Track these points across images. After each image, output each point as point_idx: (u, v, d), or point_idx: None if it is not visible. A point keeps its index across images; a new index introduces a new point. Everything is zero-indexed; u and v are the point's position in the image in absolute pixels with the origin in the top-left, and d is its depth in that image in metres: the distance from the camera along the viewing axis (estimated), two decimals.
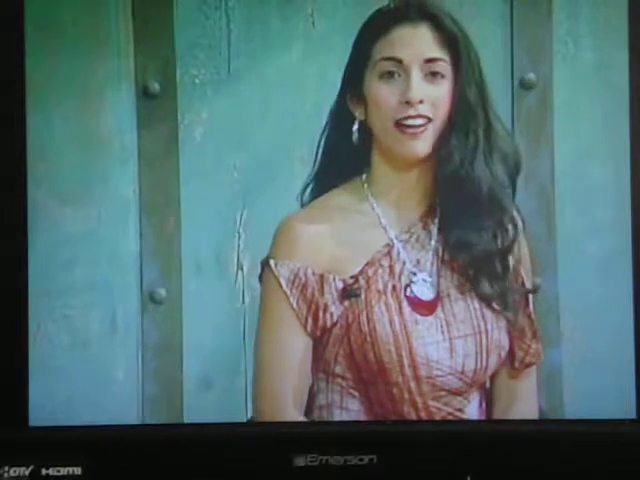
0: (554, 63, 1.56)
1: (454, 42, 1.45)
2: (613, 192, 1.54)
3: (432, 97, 1.45)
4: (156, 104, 1.56)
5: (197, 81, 1.56)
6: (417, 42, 1.45)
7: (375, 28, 1.47)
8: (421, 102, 1.44)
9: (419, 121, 1.45)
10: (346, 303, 1.46)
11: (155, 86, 1.56)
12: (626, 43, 1.53)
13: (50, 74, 1.53)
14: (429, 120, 1.45)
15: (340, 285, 1.46)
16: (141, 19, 1.56)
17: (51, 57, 1.53)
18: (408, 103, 1.44)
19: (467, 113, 1.45)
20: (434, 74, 1.45)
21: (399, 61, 1.45)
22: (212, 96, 1.56)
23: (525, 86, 1.56)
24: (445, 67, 1.45)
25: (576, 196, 1.56)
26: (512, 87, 1.56)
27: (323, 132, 1.51)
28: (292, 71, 1.56)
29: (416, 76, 1.45)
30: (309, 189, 1.52)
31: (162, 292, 1.57)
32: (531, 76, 1.56)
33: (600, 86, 1.55)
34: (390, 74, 1.46)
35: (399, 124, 1.45)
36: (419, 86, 1.45)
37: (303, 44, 1.56)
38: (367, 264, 1.47)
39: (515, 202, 1.51)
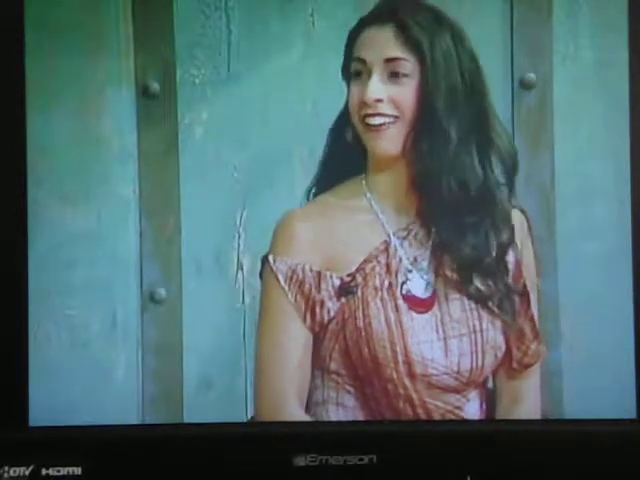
0: (554, 63, 1.56)
1: (419, 43, 1.45)
2: (613, 192, 1.54)
3: (393, 96, 1.45)
4: (156, 104, 1.56)
5: (197, 81, 1.56)
6: (379, 43, 1.46)
7: (353, 31, 1.49)
8: (379, 101, 1.45)
9: (379, 119, 1.46)
10: (343, 299, 1.46)
11: (155, 86, 1.56)
12: (626, 43, 1.52)
13: (50, 74, 1.53)
14: (394, 118, 1.46)
15: (337, 282, 1.47)
16: (141, 19, 1.56)
17: (51, 57, 1.53)
18: (365, 103, 1.46)
19: (441, 112, 1.45)
20: (395, 74, 1.46)
21: (363, 61, 1.47)
22: (212, 96, 1.56)
23: (525, 86, 1.56)
24: (408, 67, 1.45)
25: (576, 196, 1.55)
26: (512, 87, 1.56)
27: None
28: (292, 71, 1.55)
29: (376, 76, 1.46)
30: (312, 189, 1.53)
31: (162, 292, 1.57)
32: (531, 76, 1.56)
33: (600, 86, 1.54)
34: (358, 74, 1.48)
35: (364, 122, 1.47)
36: (377, 86, 1.45)
37: (303, 44, 1.56)
38: (364, 261, 1.48)
39: (517, 202, 1.51)
